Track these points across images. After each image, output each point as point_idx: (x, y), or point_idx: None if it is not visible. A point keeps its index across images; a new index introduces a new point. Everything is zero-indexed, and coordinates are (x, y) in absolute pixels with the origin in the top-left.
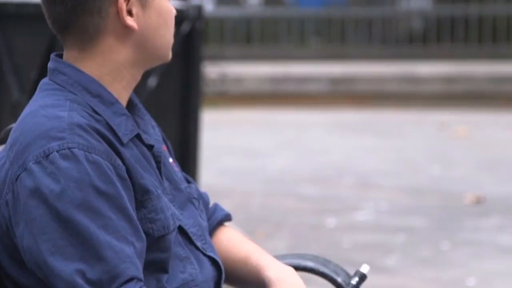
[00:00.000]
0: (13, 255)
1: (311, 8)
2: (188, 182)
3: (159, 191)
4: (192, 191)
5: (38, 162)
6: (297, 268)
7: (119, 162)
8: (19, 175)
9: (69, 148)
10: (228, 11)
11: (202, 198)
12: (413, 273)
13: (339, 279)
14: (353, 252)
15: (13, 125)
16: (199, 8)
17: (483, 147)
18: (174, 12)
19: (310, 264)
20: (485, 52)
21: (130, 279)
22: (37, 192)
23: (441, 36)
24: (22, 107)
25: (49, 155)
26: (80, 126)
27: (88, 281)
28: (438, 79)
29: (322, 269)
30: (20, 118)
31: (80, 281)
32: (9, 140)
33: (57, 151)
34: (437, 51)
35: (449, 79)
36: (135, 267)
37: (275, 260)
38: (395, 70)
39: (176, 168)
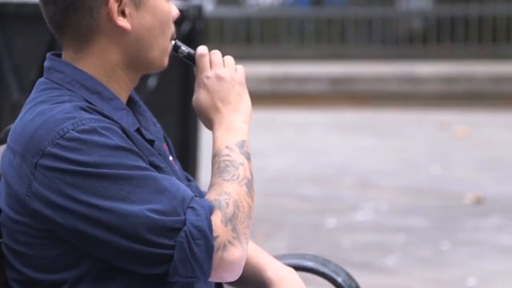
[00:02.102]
0: (26, 260)
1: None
2: (189, 180)
3: (168, 169)
4: (193, 190)
5: (56, 144)
6: (297, 268)
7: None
8: (36, 162)
9: (83, 124)
10: (228, 11)
11: (202, 197)
12: (413, 273)
13: (339, 279)
14: (353, 252)
15: (13, 125)
16: (199, 8)
17: (483, 147)
18: (173, 12)
19: (310, 264)
20: (485, 52)
21: (193, 196)
22: (69, 171)
23: (441, 36)
24: (22, 107)
25: (64, 135)
26: (83, 108)
27: (162, 213)
28: (438, 79)
29: (322, 269)
30: (18, 117)
31: (156, 216)
32: (9, 138)
33: (72, 130)
34: (437, 51)
35: (449, 79)
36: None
37: (275, 260)
38: (395, 70)
39: (176, 167)
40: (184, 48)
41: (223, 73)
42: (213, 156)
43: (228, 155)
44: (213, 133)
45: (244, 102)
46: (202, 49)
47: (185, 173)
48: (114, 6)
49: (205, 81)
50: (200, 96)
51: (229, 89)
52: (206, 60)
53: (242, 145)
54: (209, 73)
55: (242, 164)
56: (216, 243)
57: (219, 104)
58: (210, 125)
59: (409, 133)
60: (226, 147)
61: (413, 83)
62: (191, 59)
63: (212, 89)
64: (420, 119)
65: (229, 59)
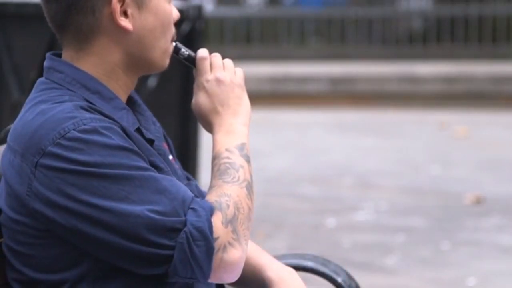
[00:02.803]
0: (27, 260)
1: (311, 8)
2: (188, 179)
3: (169, 169)
4: (193, 189)
5: (57, 144)
6: (297, 268)
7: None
8: (37, 161)
9: (84, 124)
10: (228, 11)
11: (202, 196)
12: (413, 273)
13: (339, 279)
14: (353, 252)
15: (13, 125)
16: (199, 8)
17: (483, 147)
18: (174, 14)
19: (310, 264)
20: (485, 52)
21: (193, 197)
22: (70, 170)
23: (441, 36)
24: (22, 107)
25: (65, 134)
26: (84, 108)
27: (163, 214)
28: (438, 79)
29: (322, 269)
30: (18, 117)
31: (156, 217)
32: (9, 138)
33: (73, 129)
34: (437, 51)
35: (449, 79)
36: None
37: (275, 260)
38: (395, 70)
39: (176, 166)
40: (185, 50)
41: (222, 76)
42: (213, 158)
43: (228, 158)
44: (213, 136)
45: (244, 105)
46: (202, 52)
47: (185, 172)
48: (116, 6)
49: (205, 84)
50: (200, 99)
51: (228, 93)
52: (207, 63)
53: (242, 147)
54: (209, 76)
55: (242, 166)
56: (216, 244)
57: (219, 108)
58: (210, 128)
59: (409, 133)
60: (226, 149)
61: (413, 83)
62: (192, 62)
63: (211, 92)
64: (420, 119)
65: (228, 62)
